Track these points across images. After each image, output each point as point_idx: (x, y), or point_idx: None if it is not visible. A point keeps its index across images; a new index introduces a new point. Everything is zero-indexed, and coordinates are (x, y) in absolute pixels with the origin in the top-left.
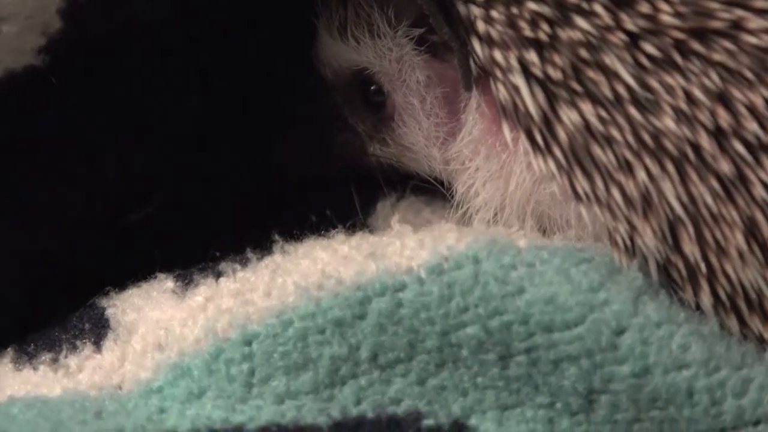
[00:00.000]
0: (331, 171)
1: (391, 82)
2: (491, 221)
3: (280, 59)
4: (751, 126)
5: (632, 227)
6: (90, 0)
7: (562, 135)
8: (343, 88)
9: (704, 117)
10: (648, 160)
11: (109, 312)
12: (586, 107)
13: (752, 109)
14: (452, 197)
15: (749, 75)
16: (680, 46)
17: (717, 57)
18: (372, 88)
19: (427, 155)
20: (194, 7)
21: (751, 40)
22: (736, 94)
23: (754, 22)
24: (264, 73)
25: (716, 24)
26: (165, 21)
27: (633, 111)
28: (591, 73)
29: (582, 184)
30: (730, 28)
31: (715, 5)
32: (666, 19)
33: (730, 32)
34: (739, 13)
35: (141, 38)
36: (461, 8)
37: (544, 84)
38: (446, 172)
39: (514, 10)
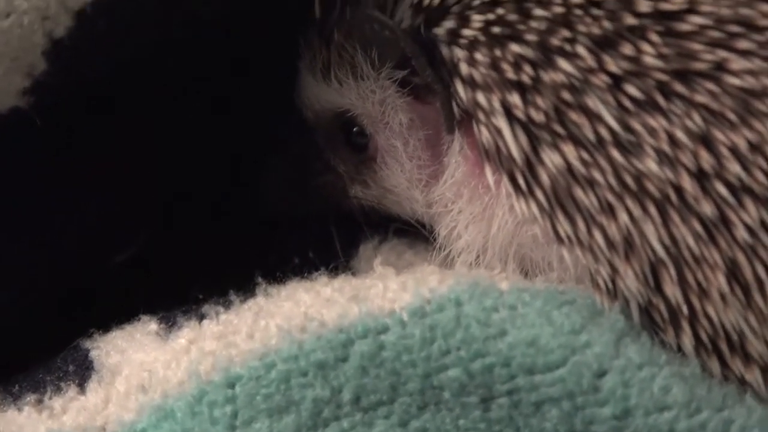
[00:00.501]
0: (312, 211)
1: (374, 124)
2: (473, 264)
3: (263, 100)
4: (734, 168)
5: (614, 270)
6: (75, 42)
7: (544, 178)
8: (325, 130)
9: (687, 159)
10: (630, 203)
11: (93, 354)
12: (569, 150)
13: (735, 151)
14: (435, 239)
15: (732, 117)
16: (663, 88)
17: (700, 99)
18: (354, 129)
19: (409, 197)
20: (176, 52)
21: (735, 81)
22: (719, 135)
23: (738, 63)
24: (247, 115)
25: (699, 66)
26: (150, 64)
27: (615, 153)
28: (573, 116)
29: (564, 226)
30: (713, 69)
31: (698, 47)
32: (649, 60)
33: (713, 74)
34: (723, 54)
35: (126, 79)
36: (444, 50)
37: (527, 126)
38: (429, 214)
39: (497, 53)
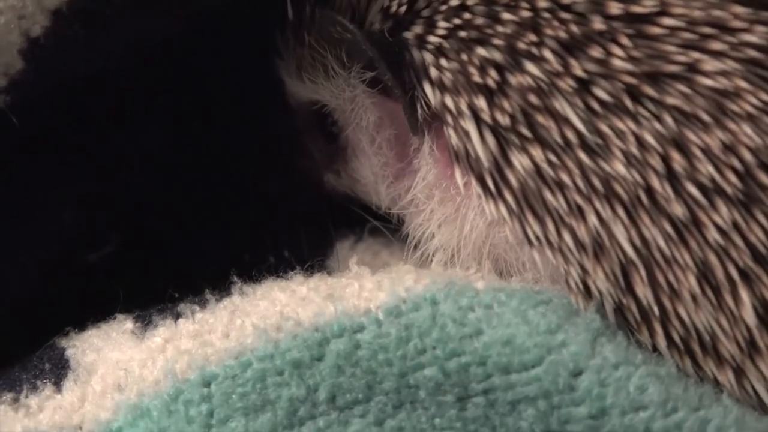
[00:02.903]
0: (293, 192)
1: (345, 119)
2: (449, 263)
3: (248, 88)
4: (706, 169)
5: (584, 271)
6: (51, 41)
7: (513, 180)
8: (304, 118)
9: (655, 161)
10: (598, 205)
11: (69, 352)
12: (536, 152)
13: (707, 152)
14: (409, 238)
15: (705, 117)
16: (632, 91)
17: (671, 101)
18: (328, 120)
19: (375, 191)
20: (156, 50)
21: (707, 82)
22: (691, 136)
23: (710, 64)
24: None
25: (671, 68)
26: (130, 63)
27: (583, 156)
28: (541, 119)
29: (533, 228)
30: (686, 71)
31: (670, 48)
32: (618, 63)
33: (685, 75)
34: (695, 55)
35: (105, 77)
36: (415, 53)
37: (495, 129)
38: (400, 210)
39: (464, 57)
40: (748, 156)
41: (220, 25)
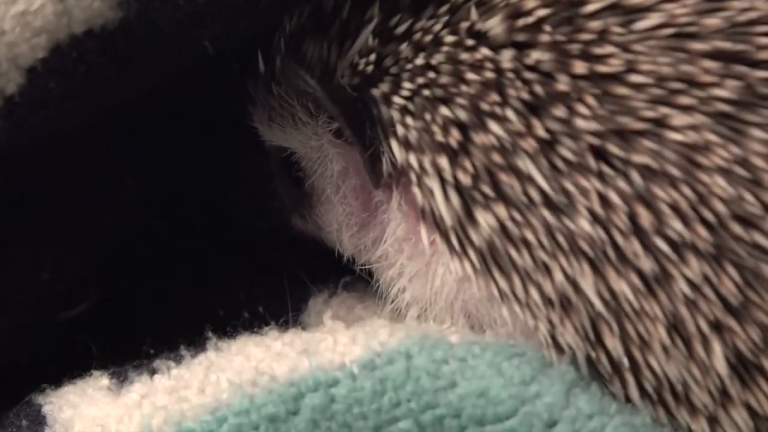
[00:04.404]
0: (267, 229)
1: (311, 167)
2: (422, 317)
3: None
4: (675, 224)
5: (553, 325)
6: (26, 99)
7: (477, 238)
8: (275, 161)
9: (620, 219)
10: (564, 261)
11: (46, 409)
12: (501, 211)
13: (675, 208)
14: (383, 293)
15: (674, 172)
16: (597, 150)
17: (638, 159)
18: (295, 166)
19: (339, 239)
20: (132, 105)
21: (676, 137)
22: (659, 193)
23: (679, 118)
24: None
25: (638, 125)
26: (104, 120)
27: (547, 214)
28: (504, 177)
29: (500, 284)
30: (654, 126)
31: (638, 104)
32: (581, 124)
33: (653, 131)
34: (664, 110)
35: (79, 134)
36: (383, 110)
37: (459, 188)
38: (373, 266)
39: (428, 116)
40: (720, 207)
41: (194, 76)
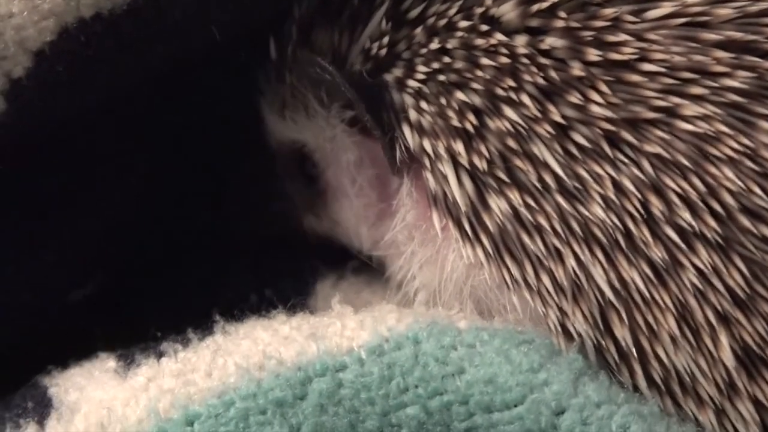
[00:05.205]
0: (272, 235)
1: (325, 160)
2: (431, 303)
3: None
4: (685, 214)
5: (563, 313)
6: (34, 83)
7: (490, 224)
8: (283, 159)
9: (633, 206)
10: (576, 247)
11: (52, 391)
12: (514, 196)
13: (685, 198)
14: (392, 279)
15: (684, 162)
16: (610, 136)
17: (649, 147)
18: (308, 163)
19: (357, 234)
20: (138, 92)
21: (687, 126)
22: (669, 182)
23: (690, 108)
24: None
25: (650, 114)
26: (111, 107)
27: (561, 199)
28: (519, 162)
29: (512, 271)
30: (666, 116)
31: (650, 93)
32: (596, 110)
33: (664, 120)
34: (675, 100)
35: (87, 116)
36: (395, 95)
37: (473, 173)
38: (380, 253)
39: (443, 100)
40: (728, 199)
41: (201, 63)
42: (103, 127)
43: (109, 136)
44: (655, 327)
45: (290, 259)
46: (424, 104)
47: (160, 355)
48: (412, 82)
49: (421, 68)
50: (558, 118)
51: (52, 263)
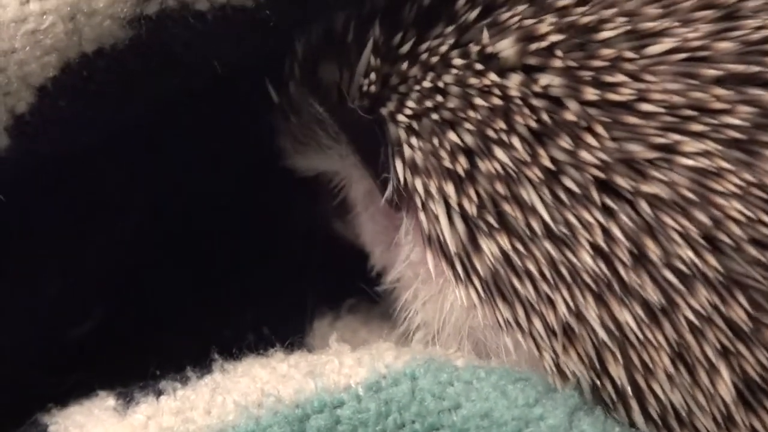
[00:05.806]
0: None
1: (343, 184)
2: (429, 342)
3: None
4: (684, 253)
5: (557, 354)
6: (37, 118)
7: (481, 267)
8: (305, 177)
9: (622, 253)
10: (566, 294)
11: (52, 429)
12: (504, 241)
13: (686, 236)
14: (390, 315)
15: (687, 195)
16: (600, 181)
17: (647, 188)
18: (331, 183)
19: (372, 251)
20: (142, 126)
21: (688, 162)
22: (669, 221)
23: (691, 145)
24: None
25: (648, 154)
26: (115, 141)
27: (549, 246)
28: (507, 208)
29: (504, 313)
30: (666, 152)
31: (649, 131)
32: (586, 155)
33: (664, 157)
34: (675, 137)
35: (89, 151)
36: (391, 128)
37: (465, 216)
38: (391, 285)
39: (436, 140)
40: (736, 230)
41: (209, 91)
42: (105, 162)
43: (111, 170)
44: (650, 365)
45: (287, 298)
46: (415, 140)
47: (159, 393)
48: (403, 117)
49: (412, 103)
50: (547, 163)
51: (51, 299)
